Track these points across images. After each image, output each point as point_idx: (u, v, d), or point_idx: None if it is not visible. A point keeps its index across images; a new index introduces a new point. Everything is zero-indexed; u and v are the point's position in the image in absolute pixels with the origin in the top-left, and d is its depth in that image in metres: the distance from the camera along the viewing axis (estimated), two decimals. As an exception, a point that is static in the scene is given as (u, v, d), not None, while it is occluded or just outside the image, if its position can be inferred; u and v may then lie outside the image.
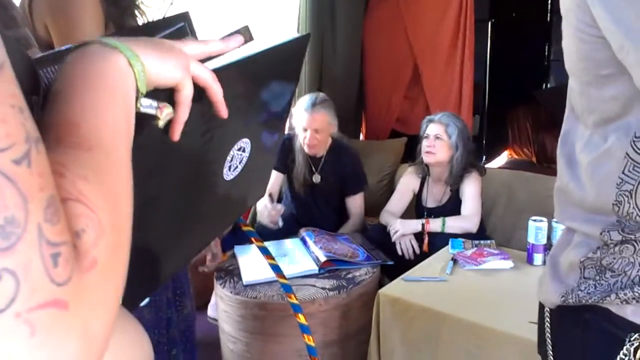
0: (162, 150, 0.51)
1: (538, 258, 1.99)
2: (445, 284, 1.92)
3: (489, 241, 2.21)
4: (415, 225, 2.37)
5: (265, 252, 1.15)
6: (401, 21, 3.54)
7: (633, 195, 0.66)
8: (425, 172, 2.56)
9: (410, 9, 3.50)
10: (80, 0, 0.81)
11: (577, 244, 0.77)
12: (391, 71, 3.67)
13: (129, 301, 0.53)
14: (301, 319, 1.19)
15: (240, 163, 0.67)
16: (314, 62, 3.32)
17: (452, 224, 2.34)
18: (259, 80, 0.64)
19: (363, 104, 3.85)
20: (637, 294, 0.68)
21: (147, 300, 1.01)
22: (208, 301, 2.67)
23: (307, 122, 2.48)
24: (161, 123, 0.47)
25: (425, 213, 2.50)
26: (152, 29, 0.64)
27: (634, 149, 0.65)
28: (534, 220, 2.00)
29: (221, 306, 2.13)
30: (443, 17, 3.42)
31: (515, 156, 5.41)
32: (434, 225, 2.34)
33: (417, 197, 2.62)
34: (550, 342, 0.86)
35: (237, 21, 3.48)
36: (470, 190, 2.40)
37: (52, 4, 0.91)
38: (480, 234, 2.37)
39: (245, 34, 0.61)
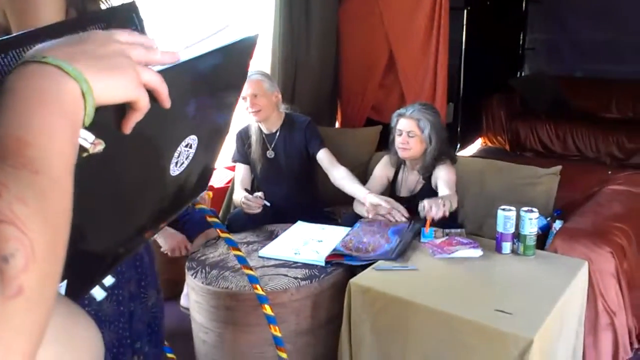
0: (111, 145, 0.51)
1: (506, 247, 2.02)
2: (416, 273, 1.93)
3: (459, 230, 2.24)
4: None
5: (231, 243, 1.14)
6: (377, 8, 3.53)
7: None
8: (400, 162, 2.57)
9: (386, -4, 3.49)
10: None
11: None
12: (366, 59, 3.66)
13: (70, 293, 0.53)
14: (267, 309, 1.19)
15: (186, 159, 0.68)
16: (288, 50, 3.29)
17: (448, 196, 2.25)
18: (206, 79, 0.65)
19: (338, 92, 3.83)
20: None
21: (104, 294, 1.00)
22: (181, 291, 2.65)
23: (245, 89, 2.56)
24: (85, 154, 0.47)
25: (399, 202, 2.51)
26: (98, 20, 0.62)
27: None
28: (503, 210, 2.02)
29: (193, 297, 2.12)
30: (418, 4, 3.41)
31: (489, 144, 5.47)
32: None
33: (392, 185, 2.64)
34: None
35: (213, 10, 3.43)
36: (446, 175, 2.39)
37: None
38: (453, 221, 2.39)
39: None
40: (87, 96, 0.44)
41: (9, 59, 0.54)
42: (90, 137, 0.47)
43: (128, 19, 0.68)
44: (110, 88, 0.46)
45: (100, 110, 0.46)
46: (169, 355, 1.62)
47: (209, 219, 1.09)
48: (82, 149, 0.46)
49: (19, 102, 0.40)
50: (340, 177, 2.60)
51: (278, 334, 1.24)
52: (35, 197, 0.35)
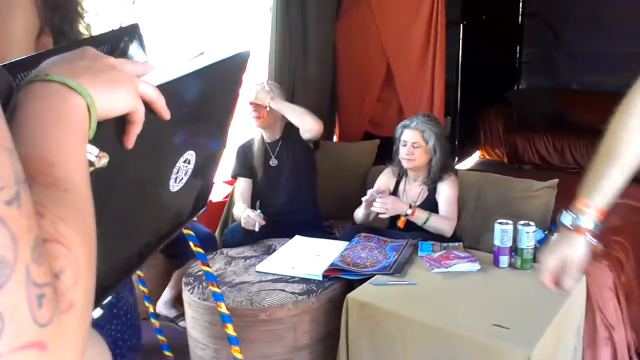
0: (112, 161, 0.52)
1: (504, 260, 2.02)
2: (413, 288, 1.93)
3: (456, 243, 2.24)
4: (403, 207, 2.36)
5: (201, 257, 1.14)
6: (373, 23, 3.55)
7: None
8: (402, 172, 2.57)
9: (382, 11, 3.52)
10: (8, 1, 0.77)
11: None
12: (364, 73, 3.68)
13: None
14: (229, 329, 1.19)
15: (185, 175, 0.68)
16: (285, 64, 3.31)
17: (435, 223, 2.34)
18: (201, 94, 0.65)
19: (336, 106, 3.85)
20: None
21: (100, 312, 0.99)
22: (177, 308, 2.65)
23: (249, 95, 2.63)
24: (92, 169, 0.48)
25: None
26: (102, 42, 0.63)
27: None
28: (500, 223, 2.02)
29: (189, 312, 2.11)
30: (414, 19, 3.44)
31: (487, 157, 5.47)
32: (419, 215, 2.34)
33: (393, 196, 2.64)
34: None
35: (211, 25, 3.46)
36: (449, 193, 2.41)
37: None
38: (451, 235, 2.39)
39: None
40: (92, 110, 0.45)
41: (18, 82, 0.54)
42: (95, 150, 0.47)
43: (132, 40, 0.69)
44: (112, 100, 0.48)
45: (100, 125, 0.47)
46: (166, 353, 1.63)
47: (184, 231, 1.09)
48: (88, 163, 0.47)
49: (34, 122, 0.41)
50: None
51: (240, 356, 1.23)
52: (72, 215, 0.36)
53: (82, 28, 0.77)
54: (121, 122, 0.51)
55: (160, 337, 1.67)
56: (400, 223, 2.38)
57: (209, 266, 1.14)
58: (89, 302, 0.36)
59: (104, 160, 0.48)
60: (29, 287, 0.29)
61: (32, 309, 0.29)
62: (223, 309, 1.20)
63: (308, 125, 2.59)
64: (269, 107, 2.60)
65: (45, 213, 0.34)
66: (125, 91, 0.49)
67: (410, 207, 2.35)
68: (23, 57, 0.60)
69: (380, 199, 2.35)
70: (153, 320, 1.60)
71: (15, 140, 0.38)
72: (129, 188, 0.59)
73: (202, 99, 0.66)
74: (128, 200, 0.60)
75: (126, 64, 0.53)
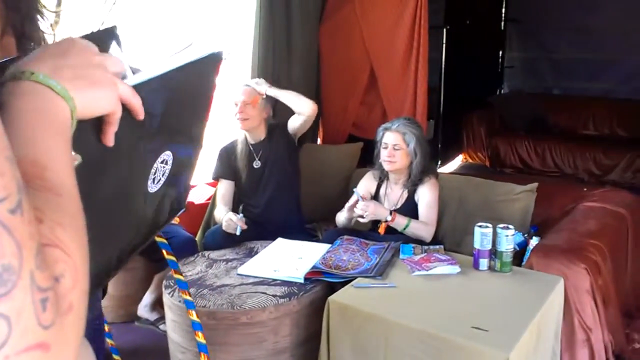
0: (89, 161, 0.52)
1: (484, 263, 2.04)
2: (394, 290, 1.94)
3: (437, 246, 2.25)
4: (384, 213, 2.37)
5: (174, 265, 1.14)
6: (357, 26, 3.57)
7: None
8: (383, 175, 2.59)
9: (366, 15, 3.53)
10: None
11: None
12: (348, 76, 3.69)
13: None
14: (199, 337, 1.19)
15: (163, 175, 0.69)
16: (269, 67, 3.31)
17: (414, 229, 2.36)
18: (175, 94, 0.66)
19: (320, 109, 3.84)
20: None
21: None
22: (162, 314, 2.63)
23: (238, 95, 2.66)
24: None
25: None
26: None
27: None
28: (480, 227, 2.04)
29: (170, 316, 2.10)
30: (398, 23, 3.46)
31: (470, 160, 5.53)
32: (399, 221, 2.36)
33: (374, 199, 2.64)
34: None
35: (194, 26, 3.44)
36: (429, 197, 2.43)
37: None
38: (432, 238, 2.41)
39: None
40: (73, 114, 0.46)
41: None
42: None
43: (109, 42, 0.69)
44: (93, 102, 0.48)
45: (79, 126, 0.47)
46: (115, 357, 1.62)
47: (157, 239, 1.09)
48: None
49: (23, 124, 0.41)
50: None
51: (203, 340, 1.23)
52: (67, 220, 0.38)
53: (45, 27, 0.76)
54: (98, 122, 0.51)
55: (110, 341, 1.67)
56: (381, 229, 2.39)
57: (181, 274, 1.13)
58: (85, 302, 0.37)
59: (76, 162, 0.48)
60: (33, 292, 0.31)
61: (37, 312, 0.31)
62: (194, 316, 1.19)
63: (305, 106, 2.66)
64: (266, 95, 2.65)
65: (44, 218, 0.35)
66: (107, 93, 0.49)
67: (391, 213, 2.36)
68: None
69: (363, 202, 2.37)
70: (107, 326, 1.59)
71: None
72: (107, 189, 0.59)
73: (177, 99, 0.67)
74: (106, 202, 0.60)
75: (109, 59, 0.53)
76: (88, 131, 0.50)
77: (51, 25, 0.77)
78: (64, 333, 0.33)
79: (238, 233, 2.45)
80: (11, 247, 0.30)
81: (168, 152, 0.68)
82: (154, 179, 0.67)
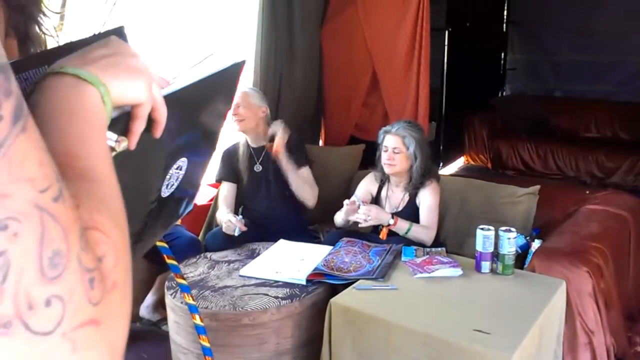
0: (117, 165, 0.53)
1: (486, 266, 2.04)
2: (396, 292, 1.94)
3: (439, 249, 2.25)
4: (386, 218, 2.37)
5: (175, 269, 1.14)
6: (359, 28, 3.57)
7: None
8: (385, 178, 2.59)
9: (368, 17, 3.54)
10: None
11: None
12: (350, 78, 3.69)
13: None
14: (204, 340, 1.18)
15: (176, 181, 0.70)
16: (271, 69, 3.31)
17: (415, 233, 2.35)
18: (198, 104, 0.67)
19: (322, 111, 3.86)
20: None
21: None
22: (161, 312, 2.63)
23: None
24: (114, 154, 0.49)
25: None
26: (87, 44, 0.64)
27: None
28: (482, 229, 2.04)
29: (172, 317, 2.10)
30: (400, 25, 3.46)
31: (472, 162, 5.52)
32: (401, 225, 2.35)
33: (375, 202, 2.64)
34: None
35: (197, 30, 3.45)
36: (430, 201, 2.43)
37: None
38: (434, 240, 2.40)
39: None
40: (106, 99, 0.46)
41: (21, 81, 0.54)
42: (114, 136, 0.49)
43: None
44: (126, 87, 0.49)
45: (116, 121, 0.48)
46: None
47: (158, 244, 1.08)
48: (110, 149, 0.48)
49: (50, 117, 0.42)
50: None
51: (207, 344, 1.23)
52: (101, 203, 0.39)
53: (48, 28, 0.76)
54: (126, 123, 0.51)
55: None
56: (383, 235, 2.38)
57: (183, 278, 1.13)
58: (129, 279, 0.40)
59: (124, 144, 0.50)
60: (82, 273, 0.33)
61: (86, 291, 0.33)
62: (197, 320, 1.19)
63: (303, 196, 2.68)
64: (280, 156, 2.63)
65: (80, 204, 0.37)
66: (142, 81, 0.50)
67: (393, 217, 2.36)
68: (15, 60, 0.60)
69: (365, 207, 2.36)
70: None
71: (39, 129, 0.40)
72: (125, 191, 0.60)
73: (200, 108, 0.68)
74: (128, 200, 0.61)
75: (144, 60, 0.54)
76: (121, 128, 0.51)
77: (55, 27, 0.77)
78: (112, 308, 0.36)
79: (236, 234, 2.46)
80: (58, 233, 0.32)
81: (184, 159, 0.69)
82: (167, 185, 0.68)
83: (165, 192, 0.68)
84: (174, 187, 0.70)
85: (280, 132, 2.64)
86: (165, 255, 1.09)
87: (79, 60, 0.47)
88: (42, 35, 0.81)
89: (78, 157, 0.41)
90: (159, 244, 1.08)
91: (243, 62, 0.74)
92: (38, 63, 0.57)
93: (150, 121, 0.54)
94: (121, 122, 0.50)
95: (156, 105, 0.53)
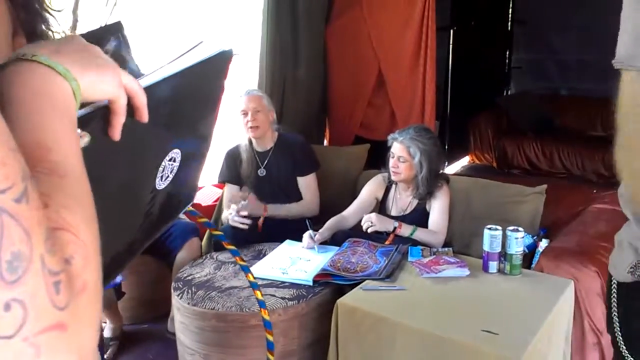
0: (99, 163, 0.52)
1: (493, 266, 2.03)
2: (403, 293, 1.93)
3: (446, 249, 2.24)
4: (388, 224, 2.37)
5: (235, 253, 1.16)
6: (365, 27, 3.57)
7: None
8: (392, 181, 2.57)
9: (374, 16, 3.53)
10: None
11: None
12: (355, 77, 3.69)
13: None
14: (258, 294, 1.20)
15: (171, 172, 0.70)
16: (276, 68, 3.31)
17: (420, 235, 2.36)
18: (186, 94, 0.67)
19: (327, 110, 3.86)
20: None
21: None
22: (167, 311, 2.62)
23: (245, 103, 2.65)
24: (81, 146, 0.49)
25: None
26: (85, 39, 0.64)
27: None
28: (489, 229, 2.03)
29: (178, 317, 2.10)
30: (406, 24, 3.46)
31: (477, 161, 5.50)
32: (404, 230, 2.36)
33: (381, 204, 2.64)
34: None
35: (202, 29, 3.45)
36: (440, 204, 2.42)
37: None
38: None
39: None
40: (76, 94, 0.46)
41: None
42: (77, 130, 0.48)
43: (114, 38, 0.70)
44: (95, 84, 0.48)
45: (88, 120, 0.48)
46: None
47: (214, 233, 1.13)
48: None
49: (25, 107, 0.42)
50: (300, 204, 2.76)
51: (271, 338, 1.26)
52: (73, 200, 0.39)
53: (54, 24, 0.76)
54: (106, 117, 0.52)
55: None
56: (388, 242, 2.36)
57: (243, 260, 1.15)
58: (99, 280, 0.39)
59: (85, 139, 0.49)
60: (46, 276, 0.32)
61: (50, 295, 0.32)
62: (259, 296, 1.21)
63: (307, 215, 2.70)
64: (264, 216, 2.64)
65: (50, 203, 0.36)
66: (110, 77, 0.50)
67: (395, 228, 2.36)
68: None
69: (366, 216, 2.38)
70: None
71: (8, 126, 0.39)
72: (113, 184, 0.60)
73: (186, 98, 0.68)
74: (112, 196, 0.61)
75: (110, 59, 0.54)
76: (97, 126, 0.51)
77: (70, 27, 0.78)
78: (80, 312, 0.35)
79: (242, 226, 2.49)
80: (19, 234, 0.31)
81: (176, 150, 0.69)
82: (162, 177, 0.68)
83: (160, 185, 0.69)
84: (169, 179, 0.70)
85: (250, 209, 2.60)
86: (223, 242, 1.14)
87: (49, 50, 0.46)
88: (50, 33, 0.81)
89: (51, 150, 0.40)
90: (215, 232, 1.14)
91: (231, 51, 0.73)
92: None
93: (133, 109, 0.54)
94: (96, 117, 0.51)
95: (132, 92, 0.53)
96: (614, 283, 1.04)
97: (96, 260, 0.38)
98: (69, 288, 0.34)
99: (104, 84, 0.49)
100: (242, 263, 1.20)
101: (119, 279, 2.33)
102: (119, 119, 0.52)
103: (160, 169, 0.67)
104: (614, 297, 1.02)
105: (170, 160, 0.68)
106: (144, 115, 0.55)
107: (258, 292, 1.22)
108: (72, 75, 0.46)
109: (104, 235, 0.62)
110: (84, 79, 0.47)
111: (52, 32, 0.83)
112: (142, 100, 0.54)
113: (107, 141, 0.53)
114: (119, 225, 0.65)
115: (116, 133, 0.52)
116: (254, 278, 1.24)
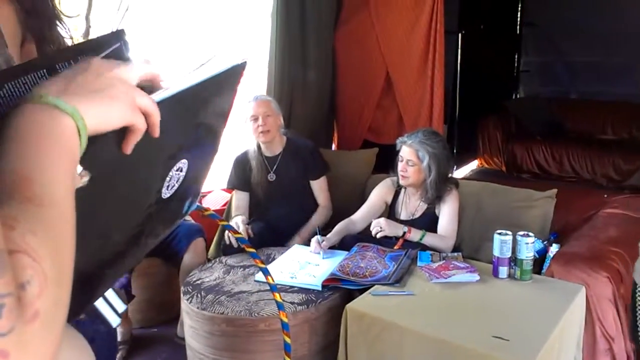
0: (109, 168, 0.54)
1: (503, 271, 2.02)
2: (412, 298, 1.92)
3: (455, 254, 2.23)
4: (398, 229, 2.37)
5: (255, 256, 1.17)
6: (373, 31, 3.57)
7: None
8: (401, 185, 2.57)
9: (382, 20, 3.53)
10: None
11: None
12: (363, 81, 3.69)
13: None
14: (277, 297, 1.21)
15: (177, 182, 0.71)
16: (285, 72, 3.32)
17: (430, 240, 2.35)
18: (198, 106, 0.68)
19: (335, 114, 3.86)
20: None
21: (118, 320, 1.00)
22: (177, 315, 2.63)
23: (255, 109, 2.65)
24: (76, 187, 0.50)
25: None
26: (88, 50, 0.64)
27: None
28: (499, 234, 2.02)
29: (188, 322, 2.10)
30: (414, 28, 3.45)
31: (486, 165, 5.48)
32: (414, 235, 2.35)
33: (391, 208, 2.63)
34: None
35: (211, 34, 3.47)
36: (449, 209, 2.41)
37: None
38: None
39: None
40: (82, 131, 0.47)
41: (5, 92, 0.54)
42: (78, 168, 0.49)
43: (117, 47, 0.70)
44: (104, 117, 0.49)
45: (100, 135, 0.49)
46: None
47: (234, 235, 1.15)
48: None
49: (21, 140, 0.42)
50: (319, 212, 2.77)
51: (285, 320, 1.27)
52: (43, 228, 0.38)
53: (62, 31, 0.77)
54: (122, 130, 0.53)
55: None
56: (397, 246, 2.36)
57: (262, 262, 1.16)
58: (58, 312, 0.37)
59: (84, 179, 0.50)
60: None
61: None
62: (285, 318, 1.22)
63: (328, 219, 2.74)
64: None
65: (16, 226, 0.35)
66: (122, 104, 0.51)
67: (404, 233, 2.35)
68: (11, 67, 0.60)
69: (375, 221, 2.38)
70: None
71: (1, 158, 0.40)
72: (121, 193, 0.61)
73: (200, 109, 0.68)
74: (122, 203, 0.62)
75: (127, 71, 0.55)
76: (110, 139, 0.52)
77: (69, 29, 0.78)
78: (27, 341, 0.33)
79: (235, 245, 2.47)
80: None
81: (184, 160, 0.70)
82: (168, 186, 0.69)
83: (166, 194, 0.69)
84: (175, 188, 0.71)
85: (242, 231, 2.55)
86: (244, 245, 1.16)
87: (58, 89, 0.47)
88: (60, 38, 0.82)
89: (34, 182, 0.40)
90: (236, 235, 1.16)
91: (245, 63, 0.73)
92: (38, 67, 0.57)
93: (147, 126, 0.55)
94: (109, 136, 0.51)
95: (147, 112, 0.54)
96: (639, 291, 1.03)
97: (56, 291, 0.36)
98: (16, 314, 0.32)
99: (117, 112, 0.50)
100: (261, 265, 1.21)
101: (124, 278, 2.34)
102: (135, 138, 0.53)
103: (167, 178, 0.68)
104: (638, 305, 1.00)
105: (177, 170, 0.69)
106: (156, 132, 0.56)
107: (277, 295, 1.23)
108: (80, 114, 0.46)
109: (109, 239, 0.62)
110: (93, 113, 0.48)
111: (62, 37, 0.84)
112: (156, 119, 0.55)
113: (119, 154, 0.54)
114: (123, 232, 0.66)
115: (129, 149, 0.54)
116: (273, 280, 1.25)
